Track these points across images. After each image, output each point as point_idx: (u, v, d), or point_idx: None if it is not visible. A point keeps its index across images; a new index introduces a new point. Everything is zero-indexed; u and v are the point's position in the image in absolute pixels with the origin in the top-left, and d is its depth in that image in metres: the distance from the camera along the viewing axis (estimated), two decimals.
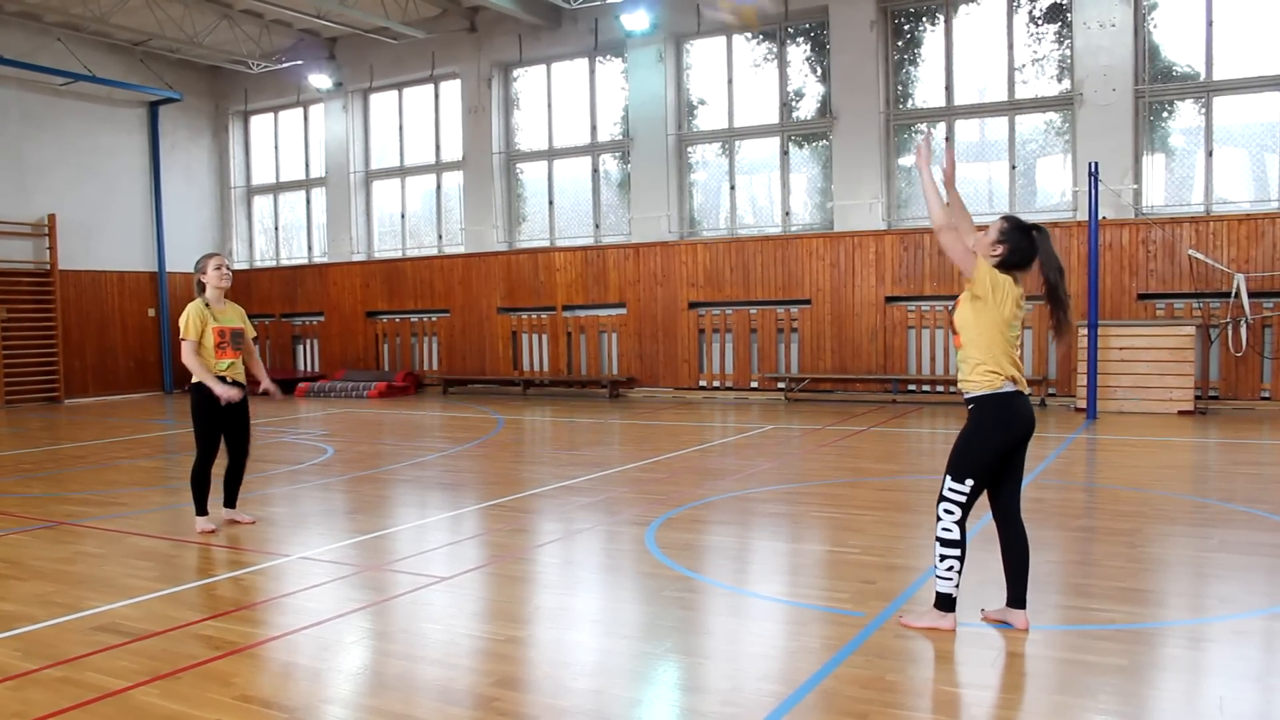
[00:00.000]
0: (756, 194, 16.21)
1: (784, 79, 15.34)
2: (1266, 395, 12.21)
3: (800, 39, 15.32)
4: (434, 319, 18.26)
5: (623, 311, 16.35)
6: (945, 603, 4.18)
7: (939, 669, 3.89)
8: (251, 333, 6.71)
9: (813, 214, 15.38)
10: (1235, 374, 12.33)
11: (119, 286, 18.87)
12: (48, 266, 17.54)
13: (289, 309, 19.84)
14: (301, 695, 3.71)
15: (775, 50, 15.43)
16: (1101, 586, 4.85)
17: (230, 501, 6.75)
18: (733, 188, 15.98)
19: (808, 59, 15.32)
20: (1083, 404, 12.16)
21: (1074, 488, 7.57)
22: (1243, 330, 12.09)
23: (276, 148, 20.65)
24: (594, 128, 16.85)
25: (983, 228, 4.27)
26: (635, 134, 16.19)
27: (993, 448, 4.12)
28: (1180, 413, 11.81)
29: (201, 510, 6.49)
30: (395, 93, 18.85)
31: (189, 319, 6.34)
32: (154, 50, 18.72)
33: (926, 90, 14.48)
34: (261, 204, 21.02)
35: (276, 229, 20.77)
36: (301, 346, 19.89)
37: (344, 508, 7.35)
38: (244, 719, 3.49)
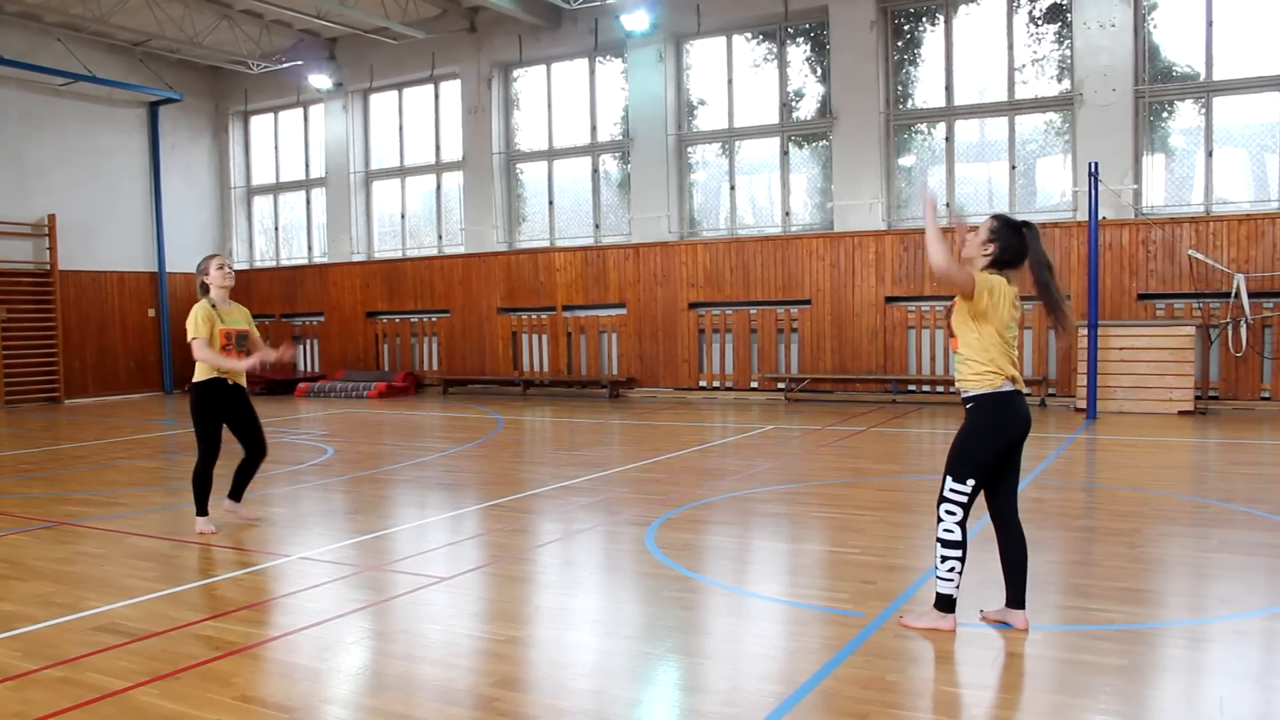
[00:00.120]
0: (756, 194, 16.21)
1: (784, 79, 15.34)
2: (1266, 395, 12.21)
3: (800, 39, 15.33)
4: (434, 319, 18.26)
5: (623, 312, 16.35)
6: (945, 603, 4.18)
7: (939, 669, 3.89)
8: (256, 334, 6.72)
9: (813, 214, 15.38)
10: (1235, 374, 12.33)
11: (119, 287, 18.87)
12: (48, 267, 17.54)
13: (289, 309, 19.84)
14: (301, 695, 3.71)
15: (775, 50, 15.43)
16: (1101, 586, 4.85)
17: (236, 494, 6.74)
18: (733, 188, 15.98)
19: (808, 59, 15.33)
20: (1083, 404, 12.16)
21: (1074, 488, 7.57)
22: (1243, 330, 12.09)
23: (276, 148, 20.65)
24: (594, 128, 16.85)
25: (974, 228, 4.26)
26: (635, 134, 16.19)
27: (992, 447, 4.12)
28: (1180, 413, 11.81)
29: (202, 511, 6.49)
30: (395, 93, 18.85)
31: (197, 319, 6.36)
32: (154, 50, 18.72)
33: (926, 90, 14.49)
34: (261, 204, 21.03)
35: (276, 229, 20.77)
36: (302, 347, 19.88)
37: (344, 508, 7.35)
38: (244, 719, 3.49)
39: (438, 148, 18.43)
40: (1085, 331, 12.05)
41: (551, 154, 17.36)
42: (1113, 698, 3.53)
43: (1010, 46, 13.75)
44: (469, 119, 17.66)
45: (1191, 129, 13.04)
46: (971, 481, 4.13)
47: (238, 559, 5.82)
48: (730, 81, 15.69)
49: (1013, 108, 13.84)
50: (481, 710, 3.52)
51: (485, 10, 16.60)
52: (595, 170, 16.95)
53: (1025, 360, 13.34)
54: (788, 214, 15.44)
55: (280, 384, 18.54)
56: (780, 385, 15.07)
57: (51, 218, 17.50)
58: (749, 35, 15.64)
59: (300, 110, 20.06)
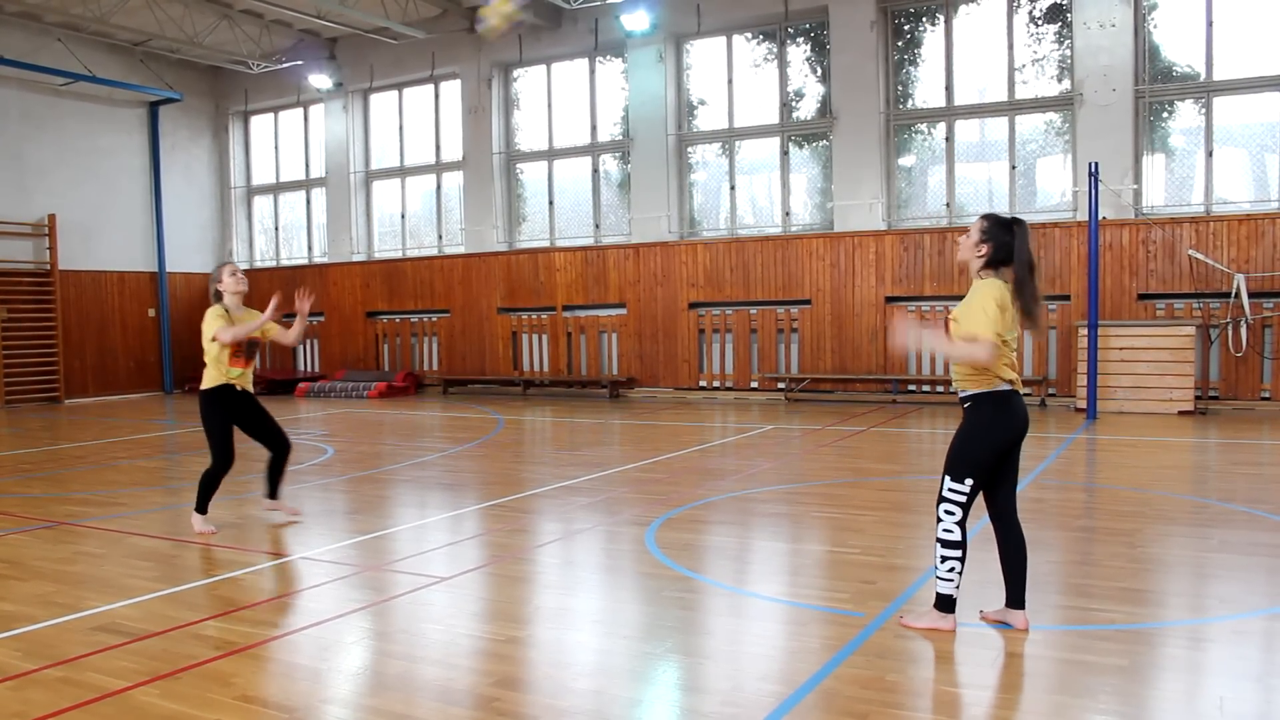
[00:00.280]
0: (756, 194, 16.21)
1: (784, 79, 15.34)
2: (1266, 395, 12.21)
3: (800, 39, 15.33)
4: (434, 319, 18.26)
5: (623, 312, 16.35)
6: (945, 603, 4.18)
7: (939, 669, 3.89)
8: (273, 329, 6.71)
9: (813, 214, 15.38)
10: (1235, 374, 12.33)
11: (119, 287, 18.87)
12: (48, 267, 17.54)
13: (289, 309, 19.74)
14: (301, 695, 3.71)
15: (775, 50, 15.43)
16: (1101, 586, 4.85)
17: (273, 493, 6.80)
18: (733, 188, 15.98)
19: (808, 59, 15.33)
20: (1083, 404, 12.16)
21: (1074, 488, 7.57)
22: (1243, 330, 12.09)
23: (276, 148, 20.65)
24: (594, 128, 16.85)
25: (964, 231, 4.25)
26: (635, 134, 16.19)
27: (990, 446, 4.12)
28: (1180, 413, 11.81)
29: (202, 509, 6.49)
30: (395, 93, 18.85)
31: (211, 320, 6.39)
32: (154, 50, 18.72)
33: (926, 90, 14.49)
34: (262, 204, 21.03)
35: (277, 229, 20.77)
36: (302, 346, 19.88)
37: (344, 508, 7.35)
38: (244, 719, 3.49)
39: (438, 148, 18.43)
40: (1085, 331, 12.05)
41: (551, 154, 17.36)
42: (1113, 698, 3.53)
43: (1010, 46, 13.75)
44: (469, 119, 17.66)
45: (1191, 129, 13.04)
46: (970, 481, 4.13)
47: (238, 559, 5.82)
48: (730, 81, 15.69)
49: (1013, 108, 13.84)
50: (481, 710, 3.52)
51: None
52: (595, 170, 16.95)
53: (1025, 360, 13.34)
54: (788, 214, 15.44)
55: (280, 384, 18.54)
56: (780, 385, 15.07)
57: (51, 218, 17.50)
58: (749, 35, 15.64)
59: (300, 110, 20.06)
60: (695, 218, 16.30)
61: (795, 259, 14.90)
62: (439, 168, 18.44)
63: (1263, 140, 12.69)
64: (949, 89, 14.20)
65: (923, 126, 14.59)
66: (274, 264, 20.59)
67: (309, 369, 19.68)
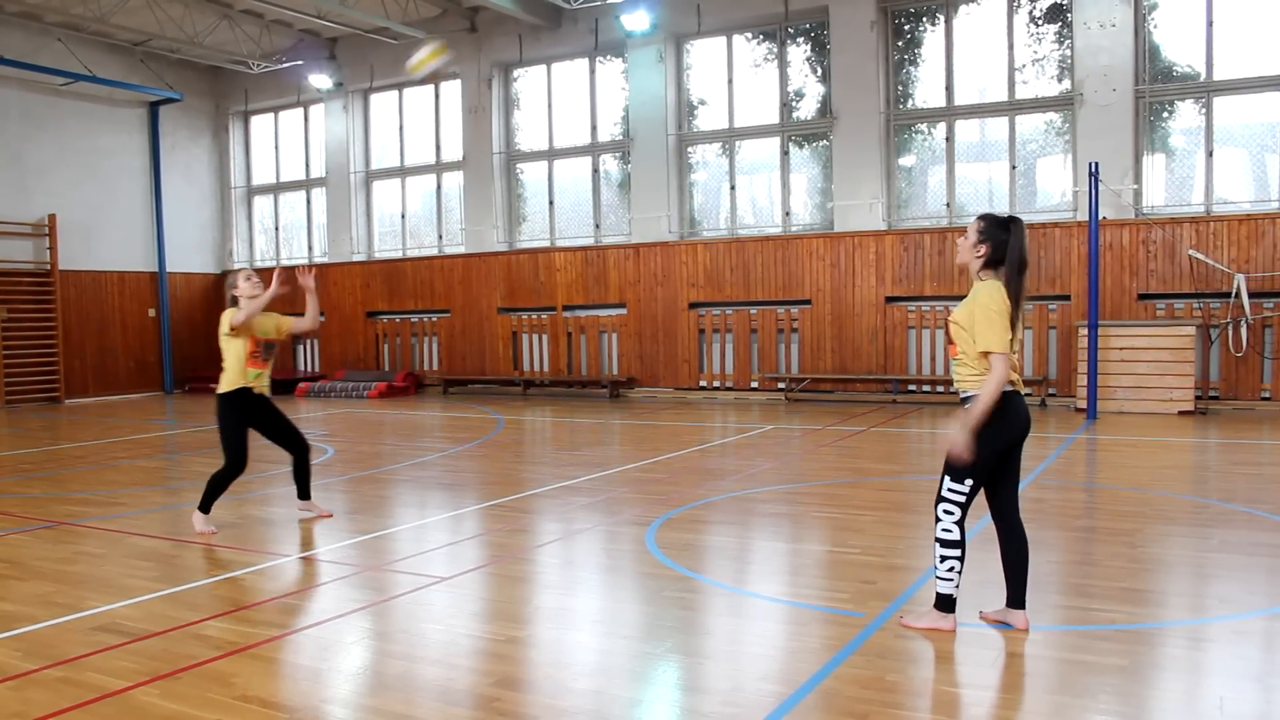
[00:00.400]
0: (757, 194, 16.21)
1: (784, 79, 15.34)
2: (1267, 395, 12.21)
3: (800, 39, 15.32)
4: (434, 319, 18.26)
5: (623, 312, 16.35)
6: (945, 603, 4.18)
7: (939, 669, 3.89)
8: (289, 321, 6.83)
9: (813, 214, 15.38)
10: (1235, 374, 12.33)
11: (119, 287, 18.87)
12: (48, 267, 17.54)
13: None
14: (301, 695, 3.71)
15: (775, 50, 15.43)
16: (1101, 586, 4.85)
17: (304, 494, 6.88)
18: (733, 188, 15.98)
19: (808, 59, 15.32)
20: (1083, 404, 12.16)
21: (1074, 488, 7.57)
22: (1243, 330, 12.09)
23: (277, 148, 20.65)
24: (594, 128, 16.85)
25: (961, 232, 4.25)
26: (635, 134, 16.19)
27: (991, 447, 4.11)
28: (1180, 413, 11.80)
29: (205, 508, 6.50)
30: (395, 93, 18.85)
31: (225, 320, 6.47)
32: (154, 50, 18.72)
33: (926, 90, 14.48)
34: (262, 204, 21.03)
35: (277, 229, 20.77)
36: (302, 347, 19.89)
37: (344, 508, 7.35)
38: (244, 719, 3.49)
39: (438, 148, 18.43)
40: (1085, 331, 12.05)
41: (552, 154, 17.36)
42: (1113, 698, 3.52)
43: (1010, 46, 13.75)
44: (469, 119, 17.66)
45: (1192, 129, 13.04)
46: (969, 481, 4.13)
47: (238, 559, 5.82)
48: (730, 81, 15.69)
49: (1013, 108, 13.84)
50: (481, 710, 3.52)
51: (485, 10, 16.60)
52: (595, 170, 16.95)
53: (1025, 360, 13.33)
54: (788, 214, 15.43)
55: (280, 384, 18.49)
56: (780, 385, 15.07)
57: (52, 218, 17.50)
58: (749, 35, 15.64)
59: (300, 110, 20.06)
60: (695, 218, 16.30)
61: (795, 259, 14.90)
62: (439, 168, 18.44)
63: (1263, 140, 12.69)
64: (949, 89, 14.20)
65: (923, 126, 14.59)
66: (274, 264, 20.58)
67: (309, 369, 19.68)
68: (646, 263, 16.07)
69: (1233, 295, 12.11)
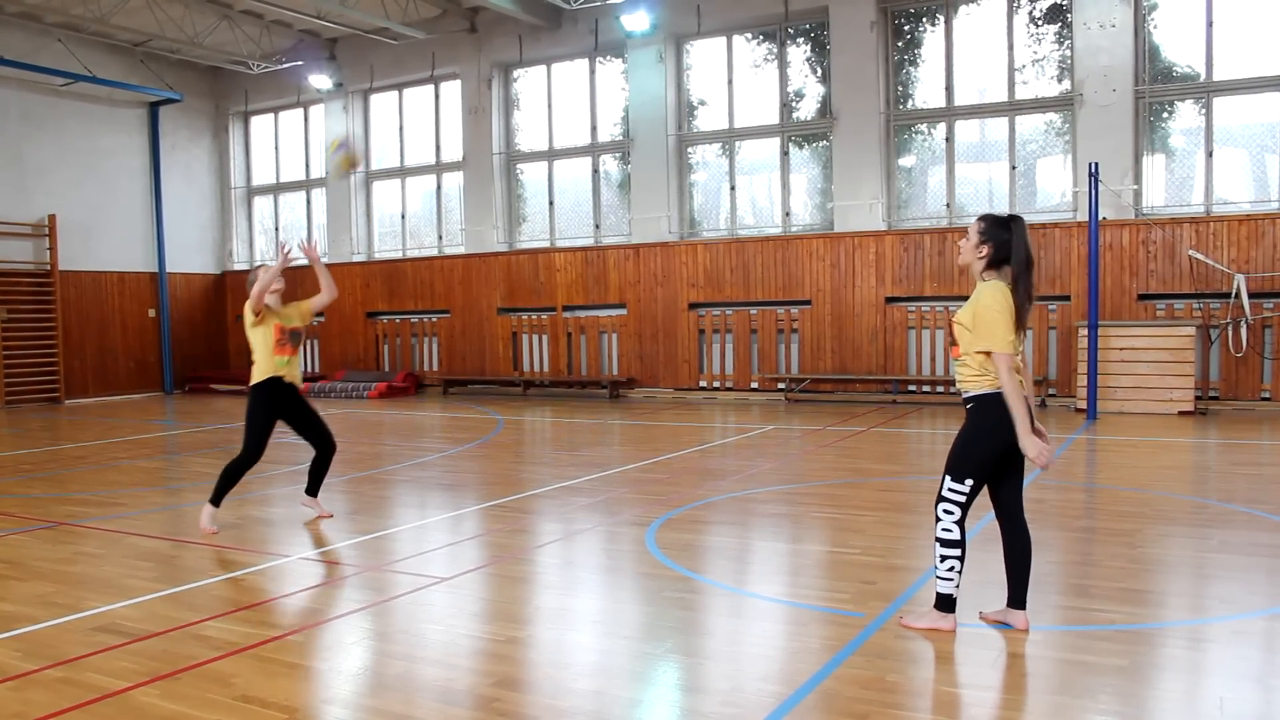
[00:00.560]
0: (756, 194, 16.21)
1: (784, 79, 15.34)
2: (1267, 396, 12.21)
3: (800, 39, 15.33)
4: (434, 319, 18.26)
5: (623, 312, 16.35)
6: (945, 603, 4.18)
7: (939, 670, 3.88)
8: (306, 305, 6.86)
9: (813, 214, 15.38)
10: (1235, 374, 12.33)
11: (119, 287, 18.87)
12: (48, 267, 17.54)
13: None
14: (301, 695, 3.71)
15: (775, 50, 15.43)
16: (1101, 587, 4.85)
17: (313, 490, 6.91)
18: (733, 188, 15.98)
19: (808, 59, 15.33)
20: (1083, 404, 12.16)
21: (1074, 488, 7.57)
22: (1243, 331, 12.09)
23: (277, 148, 20.65)
24: (594, 128, 16.85)
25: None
26: (635, 134, 16.19)
27: (992, 448, 4.11)
28: (1180, 413, 11.81)
29: (216, 501, 6.51)
30: (395, 93, 18.85)
31: (249, 306, 6.53)
32: (154, 51, 18.72)
33: (926, 91, 14.49)
34: (262, 204, 21.03)
35: (277, 229, 20.77)
36: (302, 347, 19.85)
37: (344, 508, 7.35)
38: (244, 719, 3.49)
39: (438, 148, 18.44)
40: (1085, 332, 12.05)
41: (551, 154, 17.37)
42: (1113, 698, 3.52)
43: (1010, 47, 13.75)
44: (469, 119, 17.66)
45: (1191, 129, 13.04)
46: (970, 481, 4.12)
47: (238, 559, 5.82)
48: (730, 82, 15.69)
49: (1013, 108, 13.84)
50: (481, 710, 3.52)
51: (485, 10, 16.60)
52: (595, 170, 16.95)
53: (1025, 361, 13.31)
54: (788, 214, 15.44)
55: None
56: (780, 385, 15.07)
57: (51, 218, 17.50)
58: (749, 35, 15.65)
59: (300, 110, 20.06)
60: (695, 218, 16.30)
61: (795, 259, 14.90)
62: (439, 168, 18.45)
63: (1263, 140, 12.69)
64: (949, 89, 14.20)
65: (923, 127, 14.59)
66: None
67: (309, 369, 19.67)
68: (646, 263, 16.07)
69: (1232, 295, 12.11)
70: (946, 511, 4.14)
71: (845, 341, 14.59)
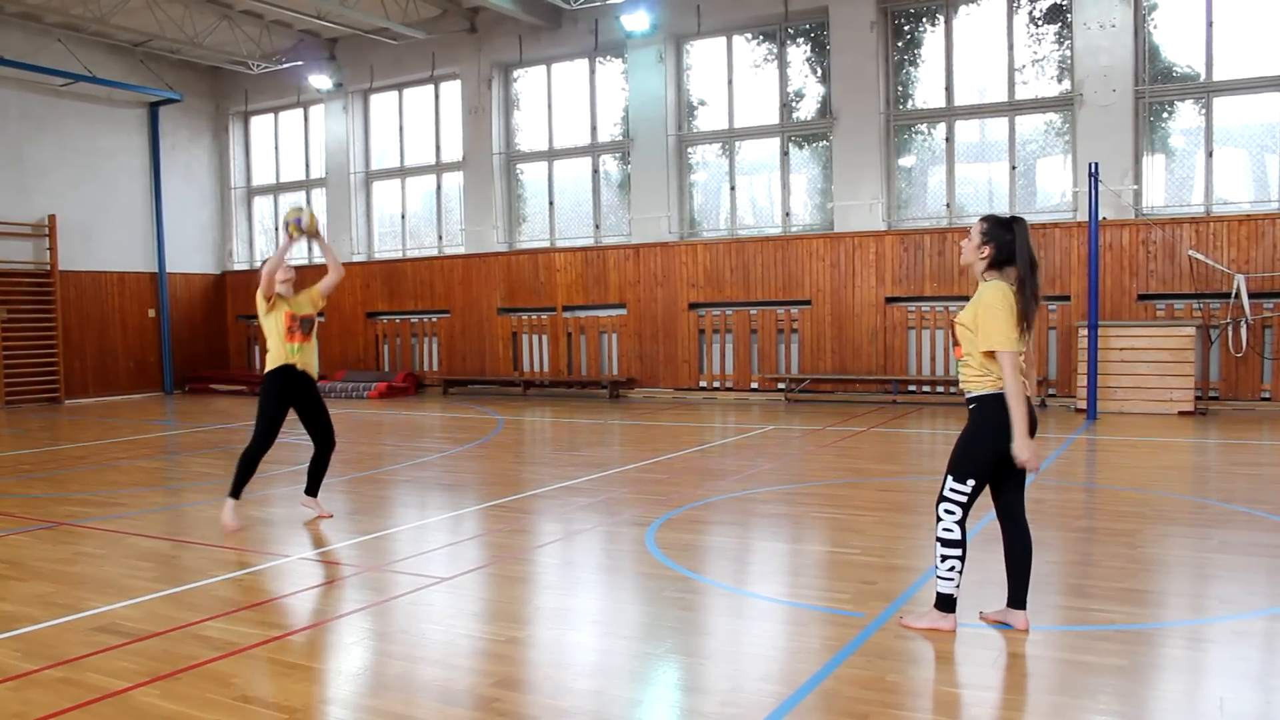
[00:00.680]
0: (756, 194, 16.21)
1: (784, 79, 15.34)
2: (1267, 396, 12.21)
3: (800, 39, 15.33)
4: (434, 320, 18.26)
5: (623, 312, 16.35)
6: (946, 603, 4.18)
7: (939, 670, 3.89)
8: (315, 289, 6.86)
9: (813, 214, 15.38)
10: (1235, 375, 12.33)
11: (119, 287, 18.87)
12: (48, 267, 17.54)
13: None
14: (301, 695, 3.71)
15: (775, 50, 15.43)
16: (1101, 587, 4.85)
17: (313, 490, 6.92)
18: (733, 188, 15.98)
19: (808, 59, 15.33)
20: (1083, 404, 12.16)
21: (1074, 488, 7.57)
22: (1243, 331, 12.09)
23: (277, 148, 20.66)
24: (594, 128, 16.85)
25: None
26: (635, 134, 16.19)
27: (994, 448, 4.10)
28: (1180, 413, 11.81)
29: (237, 493, 6.53)
30: (395, 93, 18.85)
31: (259, 295, 6.57)
32: (154, 51, 18.72)
33: (926, 91, 14.49)
34: (262, 204, 21.03)
35: (276, 229, 20.76)
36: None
37: (344, 508, 7.35)
38: (244, 719, 3.49)
39: (438, 148, 18.44)
40: (1085, 332, 12.05)
41: (551, 154, 17.36)
42: (1113, 698, 3.52)
43: (1010, 47, 13.75)
44: (469, 119, 17.66)
45: (1191, 129, 13.04)
46: (971, 482, 4.12)
47: (238, 559, 5.82)
48: (730, 82, 15.69)
49: (1013, 108, 13.84)
50: (481, 710, 3.52)
51: (485, 10, 16.60)
52: (595, 170, 16.95)
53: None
54: (788, 214, 15.44)
55: None
56: (780, 385, 15.07)
57: (51, 218, 17.50)
58: (749, 35, 15.65)
59: (300, 110, 20.06)
60: (695, 218, 16.30)
61: (795, 259, 14.90)
62: (439, 168, 18.45)
63: (1263, 140, 12.69)
64: (949, 89, 14.20)
65: (923, 127, 14.59)
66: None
67: None
68: (646, 263, 16.07)
69: (1232, 296, 12.11)
70: (948, 511, 4.15)
71: (845, 342, 14.59)
